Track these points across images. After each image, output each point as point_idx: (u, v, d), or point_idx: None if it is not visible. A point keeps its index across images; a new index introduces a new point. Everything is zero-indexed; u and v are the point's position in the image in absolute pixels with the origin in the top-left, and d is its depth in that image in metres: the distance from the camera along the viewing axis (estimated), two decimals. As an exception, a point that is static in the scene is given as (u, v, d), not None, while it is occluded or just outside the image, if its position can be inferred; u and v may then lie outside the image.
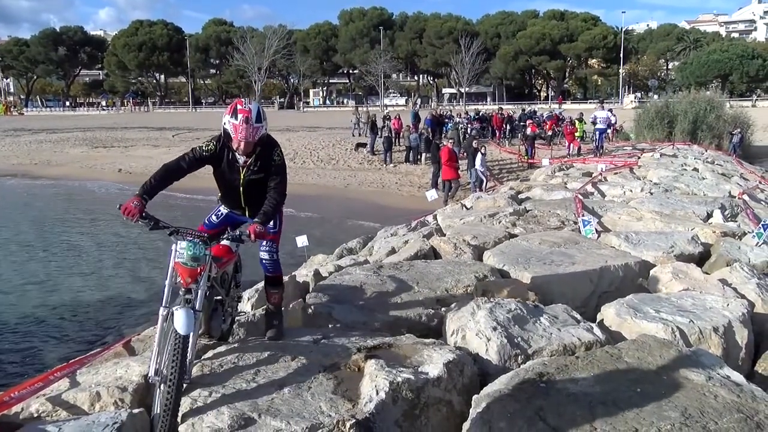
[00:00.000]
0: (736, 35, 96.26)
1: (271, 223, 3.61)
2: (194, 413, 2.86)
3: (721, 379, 3.05)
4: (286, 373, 3.23)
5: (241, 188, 3.68)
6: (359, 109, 40.44)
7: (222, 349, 3.60)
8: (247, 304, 5.15)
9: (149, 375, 3.00)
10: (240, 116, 3.45)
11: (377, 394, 2.93)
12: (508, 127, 29.98)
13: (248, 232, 3.23)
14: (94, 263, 12.42)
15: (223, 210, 3.90)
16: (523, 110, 35.07)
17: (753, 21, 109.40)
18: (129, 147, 33.14)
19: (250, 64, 75.64)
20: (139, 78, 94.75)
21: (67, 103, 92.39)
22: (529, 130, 24.20)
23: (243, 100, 3.61)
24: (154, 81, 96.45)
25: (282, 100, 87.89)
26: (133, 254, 13.12)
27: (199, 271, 3.09)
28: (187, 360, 2.96)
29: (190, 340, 2.98)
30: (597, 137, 22.95)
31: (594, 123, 23.21)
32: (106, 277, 11.34)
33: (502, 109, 34.99)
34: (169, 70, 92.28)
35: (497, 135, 29.87)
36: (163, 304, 3.09)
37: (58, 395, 3.19)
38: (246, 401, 2.92)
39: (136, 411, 2.96)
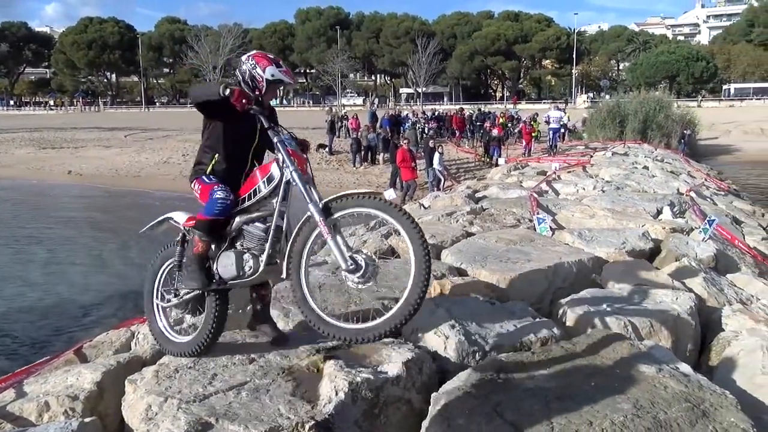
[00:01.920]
0: (682, 38, 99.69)
1: None
2: (148, 421, 2.80)
3: (671, 370, 3.15)
4: (244, 376, 3.19)
5: (254, 144, 3.45)
6: (333, 108, 39.97)
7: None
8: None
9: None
10: (281, 64, 3.40)
11: (336, 394, 2.92)
12: (469, 127, 30.32)
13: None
14: (42, 267, 12.03)
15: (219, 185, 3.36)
16: (479, 110, 35.46)
17: (697, 24, 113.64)
18: (79, 148, 32.20)
19: (204, 63, 74.40)
20: (89, 77, 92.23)
21: (12, 102, 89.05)
22: (495, 132, 24.51)
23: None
24: (105, 80, 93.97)
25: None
26: (81, 258, 12.75)
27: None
28: None
29: None
30: (551, 137, 23.59)
31: (548, 123, 23.81)
32: (54, 282, 11.00)
33: (462, 109, 35.24)
34: (121, 68, 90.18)
35: (457, 135, 30.14)
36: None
37: (2, 406, 3.07)
38: (203, 406, 2.86)
39: (87, 420, 2.87)
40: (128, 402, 3.11)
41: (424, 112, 34.96)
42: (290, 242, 3.19)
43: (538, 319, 3.97)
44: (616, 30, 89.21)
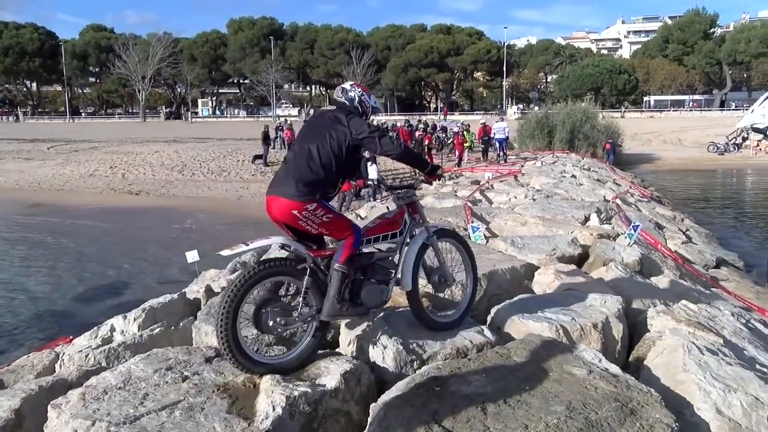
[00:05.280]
0: (605, 51, 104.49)
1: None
2: (74, 446, 2.66)
3: (601, 371, 3.27)
4: (177, 395, 3.09)
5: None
6: (278, 119, 39.22)
7: (105, 374, 3.38)
8: (134, 325, 4.87)
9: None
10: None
11: (274, 410, 2.87)
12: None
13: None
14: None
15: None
16: (420, 121, 35.75)
17: (619, 39, 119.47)
18: (-4, 160, 30.48)
19: (133, 73, 72.29)
20: (6, 85, 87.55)
21: None
22: (425, 141, 24.88)
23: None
24: (25, 89, 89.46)
25: (168, 110, 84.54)
26: None
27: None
28: None
29: None
30: (498, 146, 24.62)
31: (494, 134, 24.92)
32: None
33: (408, 121, 35.33)
34: (42, 77, 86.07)
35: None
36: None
37: None
38: (133, 428, 2.75)
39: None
40: (51, 428, 2.95)
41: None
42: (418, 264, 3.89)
43: (473, 326, 4.04)
44: (543, 44, 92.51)
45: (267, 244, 3.64)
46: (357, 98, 3.74)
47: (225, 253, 3.42)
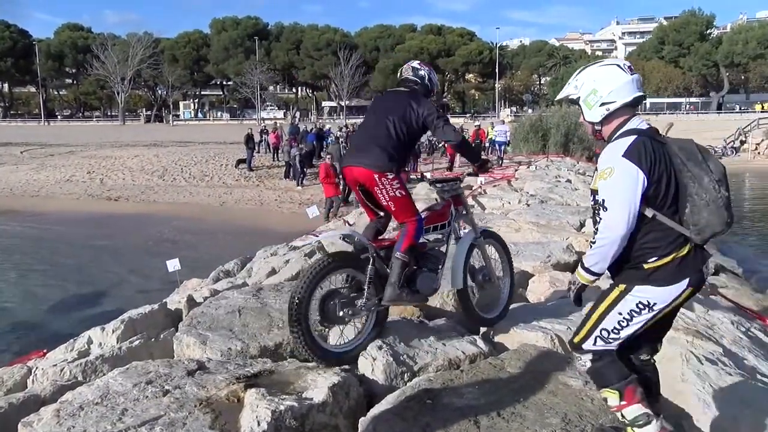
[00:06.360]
0: (600, 53, 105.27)
1: None
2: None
3: (597, 382, 3.28)
4: (157, 410, 3.06)
5: None
6: (276, 122, 39.10)
7: (82, 388, 3.35)
8: (112, 337, 4.83)
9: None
10: None
11: (258, 425, 2.85)
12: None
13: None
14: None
15: None
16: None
17: (614, 41, 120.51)
18: (-35, 165, 30.19)
19: (112, 74, 71.90)
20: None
21: None
22: None
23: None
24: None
25: (149, 112, 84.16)
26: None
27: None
28: None
29: None
30: (498, 149, 25.18)
31: (495, 136, 25.69)
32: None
33: None
34: (15, 78, 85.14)
35: None
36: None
37: None
38: (111, 445, 2.72)
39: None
40: (22, 447, 2.91)
41: (347, 126, 35.06)
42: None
43: (466, 336, 4.04)
44: (537, 45, 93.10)
45: (334, 235, 4.15)
46: (427, 76, 4.02)
47: (299, 243, 3.85)
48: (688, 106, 75.98)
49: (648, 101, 77.29)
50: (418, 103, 3.79)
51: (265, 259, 8.83)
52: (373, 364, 3.55)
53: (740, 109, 67.19)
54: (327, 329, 3.89)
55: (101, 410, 3.05)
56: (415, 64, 4.13)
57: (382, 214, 3.94)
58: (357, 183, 3.81)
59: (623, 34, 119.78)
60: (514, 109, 75.65)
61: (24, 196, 24.02)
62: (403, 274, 3.70)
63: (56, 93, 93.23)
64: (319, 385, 3.26)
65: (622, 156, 2.44)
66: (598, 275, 2.57)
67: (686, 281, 2.47)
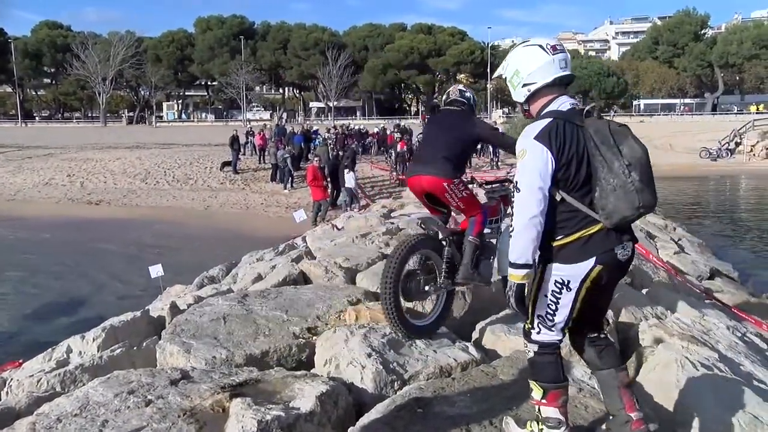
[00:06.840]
0: (593, 53, 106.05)
1: None
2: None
3: (591, 389, 3.30)
4: (139, 421, 3.03)
5: None
6: (266, 123, 38.93)
7: (60, 400, 3.32)
8: (92, 345, 4.80)
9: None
10: None
11: (244, 436, 2.83)
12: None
13: None
14: None
15: None
16: (397, 126, 35.81)
17: (607, 41, 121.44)
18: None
19: (92, 74, 71.40)
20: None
21: None
22: (399, 147, 25.02)
23: None
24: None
25: (131, 114, 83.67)
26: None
27: None
28: None
29: None
30: (491, 151, 25.77)
31: None
32: None
33: (398, 126, 35.23)
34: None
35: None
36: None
37: None
38: (90, 458, 2.70)
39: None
40: (-2, 461, 2.88)
41: (335, 127, 35.00)
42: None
43: (458, 343, 4.04)
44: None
45: (412, 219, 4.85)
46: (471, 98, 4.63)
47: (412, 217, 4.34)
48: (682, 107, 76.57)
49: (641, 102, 77.90)
50: (474, 123, 4.47)
51: (250, 264, 8.80)
52: (362, 372, 3.54)
53: (737, 111, 67.66)
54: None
55: (80, 422, 3.03)
56: (461, 87, 4.75)
57: (445, 210, 4.48)
58: (423, 190, 4.33)
59: (617, 33, 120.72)
60: (506, 110, 75.82)
61: None
62: (475, 256, 4.19)
63: (34, 93, 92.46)
64: (306, 394, 3.25)
65: (534, 138, 2.51)
66: (528, 266, 2.55)
67: (593, 259, 2.52)
